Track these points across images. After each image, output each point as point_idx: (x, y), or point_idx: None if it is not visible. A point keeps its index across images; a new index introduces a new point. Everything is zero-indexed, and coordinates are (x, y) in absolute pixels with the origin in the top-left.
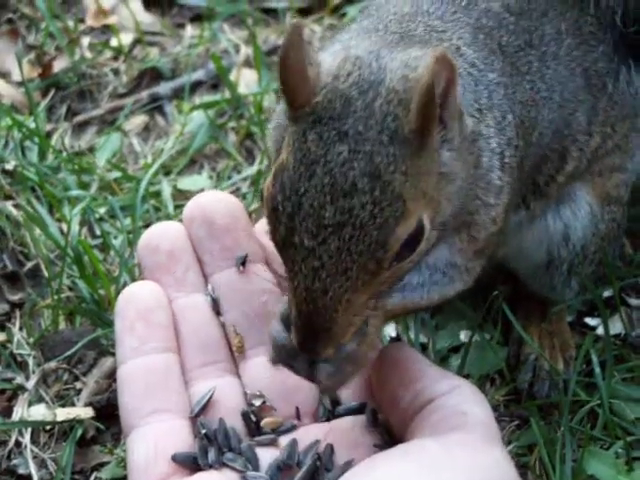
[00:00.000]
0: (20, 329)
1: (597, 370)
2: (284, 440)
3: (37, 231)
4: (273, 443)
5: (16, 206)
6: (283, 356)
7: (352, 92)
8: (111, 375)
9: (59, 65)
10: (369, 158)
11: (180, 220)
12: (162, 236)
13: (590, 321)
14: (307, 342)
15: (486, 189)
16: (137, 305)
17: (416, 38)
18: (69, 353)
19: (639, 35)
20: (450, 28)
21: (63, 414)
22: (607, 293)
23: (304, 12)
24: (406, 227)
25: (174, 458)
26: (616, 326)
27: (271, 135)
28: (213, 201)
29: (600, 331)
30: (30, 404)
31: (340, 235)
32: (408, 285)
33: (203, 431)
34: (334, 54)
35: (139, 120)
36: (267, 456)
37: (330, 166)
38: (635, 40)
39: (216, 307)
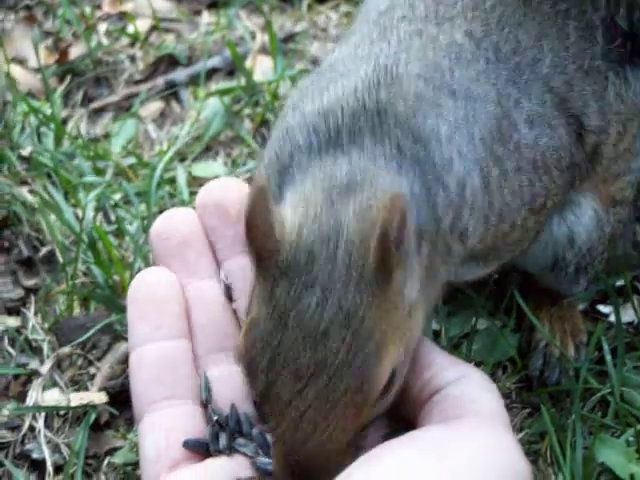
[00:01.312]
0: (35, 314)
1: (608, 358)
2: None
3: (52, 217)
4: None
5: (31, 192)
6: None
7: (315, 244)
8: (125, 360)
9: (76, 52)
10: (338, 303)
11: (194, 207)
12: (174, 223)
13: (603, 308)
14: None
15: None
16: (149, 292)
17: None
18: (83, 338)
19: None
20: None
21: (77, 399)
22: (620, 281)
23: (319, 0)
24: (383, 367)
25: (185, 444)
26: (628, 314)
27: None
28: (225, 188)
29: (612, 319)
30: (44, 389)
31: (317, 383)
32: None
33: (215, 417)
34: (294, 208)
35: (155, 106)
36: None
37: (302, 314)
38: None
39: (229, 293)
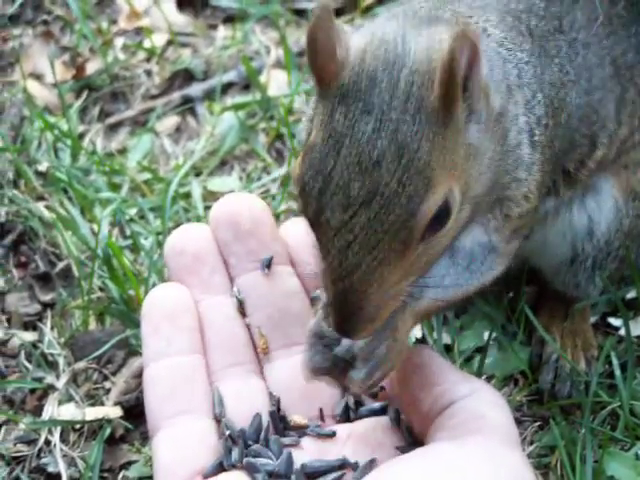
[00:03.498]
0: (51, 329)
1: (617, 372)
2: (308, 441)
3: (68, 232)
4: (297, 444)
5: (48, 207)
6: (320, 370)
7: (378, 69)
8: (140, 375)
9: (92, 67)
10: (394, 132)
11: (208, 222)
12: (188, 238)
13: (614, 321)
14: (343, 322)
15: (516, 164)
16: (163, 307)
17: (443, 22)
18: (99, 353)
19: None
20: (477, 13)
21: (92, 413)
22: (632, 294)
23: (336, 13)
24: (434, 199)
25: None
26: (639, 327)
27: (304, 126)
28: (238, 204)
29: (623, 332)
30: (60, 403)
31: (369, 208)
32: (445, 280)
33: (227, 432)
34: (362, 35)
35: (171, 121)
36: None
37: (356, 141)
38: None
39: (241, 309)
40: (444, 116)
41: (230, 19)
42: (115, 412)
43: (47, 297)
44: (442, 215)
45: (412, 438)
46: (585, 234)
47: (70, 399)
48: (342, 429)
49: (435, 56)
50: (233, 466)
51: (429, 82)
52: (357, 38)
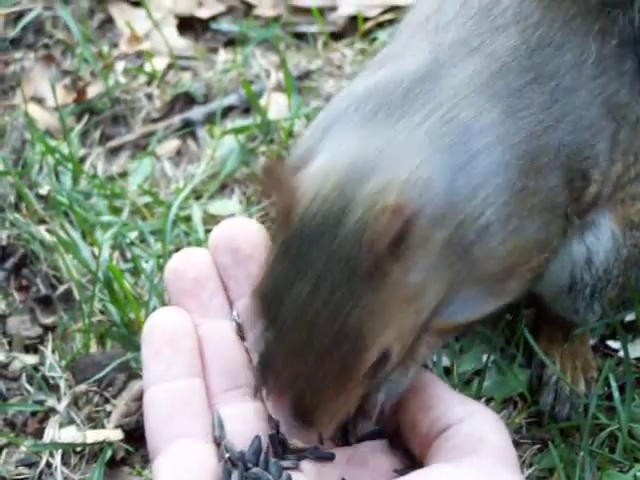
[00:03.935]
0: (52, 352)
1: (616, 395)
2: (307, 464)
3: (69, 255)
4: (296, 467)
5: (49, 231)
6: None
7: (315, 232)
8: (141, 398)
9: (93, 90)
10: (328, 295)
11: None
12: (188, 263)
13: (613, 344)
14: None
15: (485, 246)
16: (163, 331)
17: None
18: (100, 376)
19: None
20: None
21: (93, 436)
22: (630, 316)
23: (335, 36)
24: (366, 360)
25: None
26: (638, 349)
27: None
28: (238, 228)
29: (622, 354)
30: (61, 426)
31: (307, 359)
32: (463, 301)
33: (227, 455)
34: (315, 174)
35: (171, 145)
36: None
37: (293, 301)
38: None
39: (241, 332)
40: (377, 281)
41: (231, 43)
42: (116, 435)
43: (48, 320)
44: (377, 366)
45: (410, 461)
46: (584, 264)
47: (71, 422)
48: (341, 452)
49: (366, 223)
50: None
51: (360, 248)
52: (311, 177)
